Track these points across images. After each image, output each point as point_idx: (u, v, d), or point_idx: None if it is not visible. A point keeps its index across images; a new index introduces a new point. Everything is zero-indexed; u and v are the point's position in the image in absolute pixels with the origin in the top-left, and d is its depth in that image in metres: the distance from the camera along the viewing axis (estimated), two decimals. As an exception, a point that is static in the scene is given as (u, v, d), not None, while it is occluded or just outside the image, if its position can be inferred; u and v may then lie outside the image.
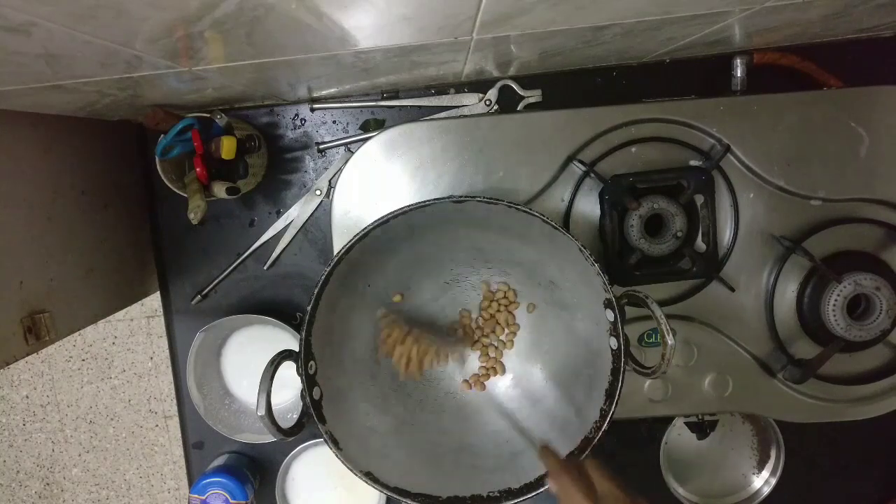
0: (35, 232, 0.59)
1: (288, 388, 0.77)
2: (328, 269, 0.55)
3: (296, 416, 0.59)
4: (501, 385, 0.67)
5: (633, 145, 0.65)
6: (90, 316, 0.66)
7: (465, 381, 0.67)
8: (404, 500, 0.56)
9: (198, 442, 0.79)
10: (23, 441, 1.79)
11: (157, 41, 0.40)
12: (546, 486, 0.54)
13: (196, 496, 0.73)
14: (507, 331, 0.67)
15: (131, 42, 0.39)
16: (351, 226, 0.65)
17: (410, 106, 0.74)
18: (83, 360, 1.76)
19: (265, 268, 0.76)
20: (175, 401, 0.79)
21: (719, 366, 0.67)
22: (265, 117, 0.74)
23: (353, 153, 0.68)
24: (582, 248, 0.53)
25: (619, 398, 0.55)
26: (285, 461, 0.77)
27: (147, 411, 1.77)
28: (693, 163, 0.65)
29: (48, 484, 1.80)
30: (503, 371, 0.67)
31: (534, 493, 0.56)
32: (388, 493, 0.56)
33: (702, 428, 0.74)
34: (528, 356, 0.67)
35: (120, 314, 1.71)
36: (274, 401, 0.62)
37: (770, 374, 0.67)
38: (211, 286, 0.76)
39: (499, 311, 0.67)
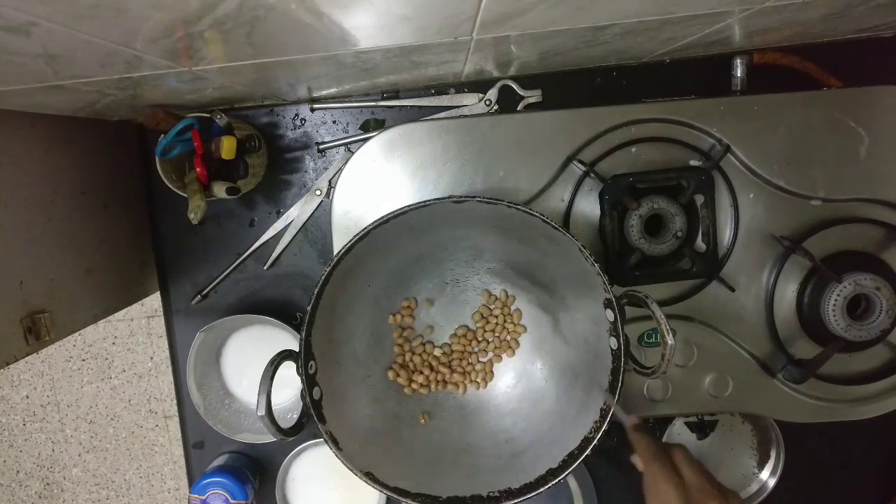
0: (35, 232, 0.59)
1: (288, 388, 0.77)
2: (328, 269, 0.55)
3: (296, 416, 0.59)
4: (502, 385, 0.67)
5: (633, 145, 0.65)
6: (90, 316, 0.66)
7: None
8: (404, 500, 0.56)
9: (198, 442, 0.79)
10: (23, 441, 1.79)
11: (157, 41, 0.40)
12: (550, 484, 0.55)
13: (196, 496, 0.73)
14: (508, 338, 0.67)
15: (131, 42, 0.39)
16: (351, 226, 0.65)
17: (410, 106, 0.74)
18: (83, 360, 1.76)
19: (265, 268, 0.76)
20: (175, 401, 0.79)
21: (719, 366, 0.67)
22: (265, 117, 0.74)
23: (353, 153, 0.68)
24: (582, 248, 0.53)
25: (619, 398, 0.55)
26: (285, 461, 0.77)
27: (147, 411, 1.77)
28: (693, 163, 0.65)
29: (48, 484, 1.80)
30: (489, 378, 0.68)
31: (534, 493, 0.56)
32: (388, 493, 0.56)
33: (702, 428, 0.74)
34: (528, 356, 0.67)
35: (120, 314, 1.71)
36: (274, 401, 0.62)
37: (770, 374, 0.67)
38: (211, 286, 0.76)
39: (498, 325, 0.67)
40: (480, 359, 0.67)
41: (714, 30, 0.57)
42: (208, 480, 0.73)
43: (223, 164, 0.65)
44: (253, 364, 0.78)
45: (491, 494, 0.56)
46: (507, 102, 0.73)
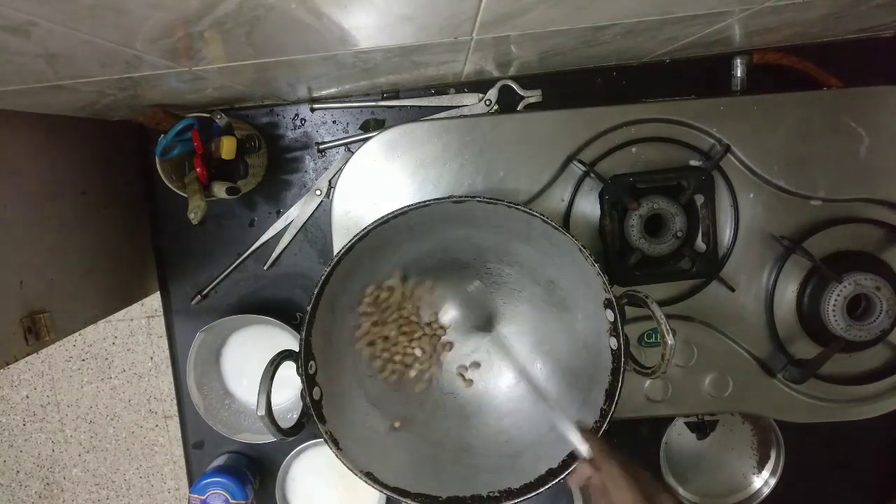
0: (35, 232, 0.59)
1: (288, 388, 0.77)
2: (328, 270, 0.55)
3: (296, 416, 0.59)
4: (502, 385, 0.67)
5: (633, 145, 0.65)
6: (90, 316, 0.66)
7: (460, 375, 0.67)
8: (404, 500, 0.56)
9: (198, 442, 0.79)
10: (23, 441, 1.79)
11: (158, 41, 0.40)
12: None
13: (196, 496, 0.73)
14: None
15: (131, 42, 0.39)
16: (351, 226, 0.65)
17: (410, 106, 0.74)
18: (83, 360, 1.76)
19: (265, 268, 0.76)
20: (175, 401, 0.79)
21: (719, 366, 0.67)
22: (265, 117, 0.74)
23: (353, 153, 0.68)
24: (582, 249, 0.53)
25: (619, 398, 0.55)
26: (285, 461, 0.77)
27: (147, 411, 1.77)
28: (693, 163, 0.65)
29: (48, 484, 1.80)
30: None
31: (534, 493, 0.56)
32: (388, 493, 0.56)
33: (702, 428, 0.74)
34: (528, 356, 0.67)
35: (120, 314, 1.71)
36: (274, 401, 0.62)
37: (770, 374, 0.67)
38: (211, 286, 0.76)
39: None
40: None
41: (714, 30, 0.57)
42: (208, 480, 0.73)
43: (223, 164, 0.65)
44: (253, 364, 0.78)
45: (491, 494, 0.56)
46: (507, 102, 0.73)
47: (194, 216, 0.61)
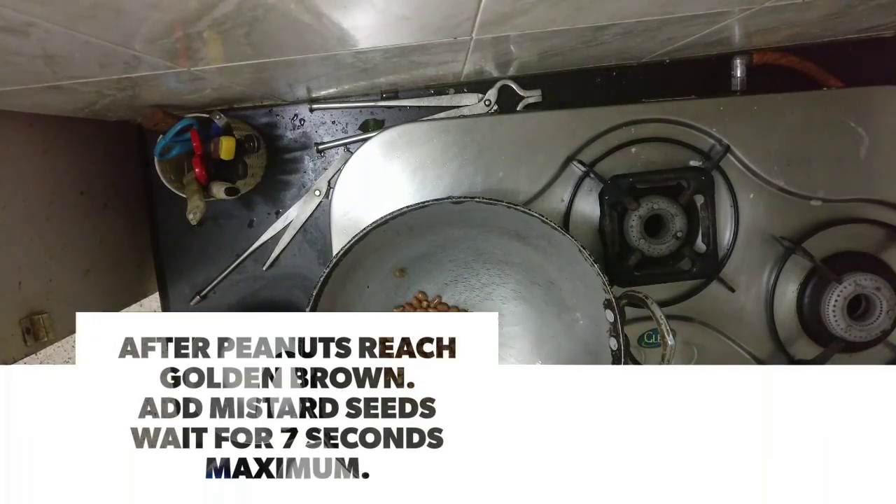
0: (34, 233, 0.59)
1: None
2: (327, 270, 0.54)
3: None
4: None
5: (633, 145, 0.65)
6: (89, 317, 0.65)
7: None
8: None
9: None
10: (22, 442, 1.78)
11: (156, 41, 0.40)
12: None
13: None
14: None
15: (130, 42, 0.39)
16: (350, 226, 0.65)
17: (410, 106, 0.74)
18: (82, 361, 1.76)
19: (264, 268, 0.76)
20: (174, 402, 0.79)
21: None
22: (264, 118, 0.74)
23: (352, 153, 0.68)
24: (581, 249, 0.53)
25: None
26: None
27: (146, 412, 1.77)
28: (693, 163, 0.65)
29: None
30: None
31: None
32: None
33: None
34: (528, 357, 0.67)
35: (119, 315, 1.70)
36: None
37: (770, 375, 0.67)
38: (210, 287, 0.76)
39: None
40: None
41: (714, 30, 0.57)
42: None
43: (222, 164, 0.65)
44: (252, 365, 0.78)
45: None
46: (507, 102, 0.73)
47: (193, 217, 0.61)
